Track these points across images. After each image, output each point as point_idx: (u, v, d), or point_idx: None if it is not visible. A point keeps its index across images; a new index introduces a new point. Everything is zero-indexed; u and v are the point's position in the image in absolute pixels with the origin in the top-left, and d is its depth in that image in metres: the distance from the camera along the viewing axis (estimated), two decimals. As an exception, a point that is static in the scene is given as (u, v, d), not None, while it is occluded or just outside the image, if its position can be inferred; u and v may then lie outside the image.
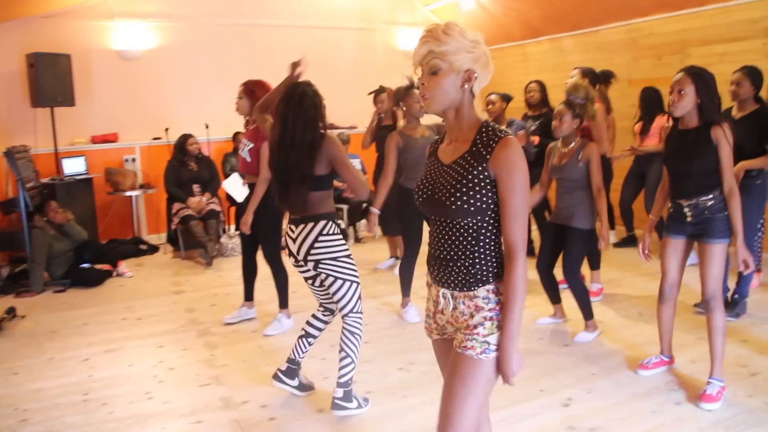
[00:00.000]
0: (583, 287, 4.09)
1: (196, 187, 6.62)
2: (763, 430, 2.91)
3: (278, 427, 3.09)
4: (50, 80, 6.34)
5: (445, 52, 1.69)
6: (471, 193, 1.71)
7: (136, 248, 6.86)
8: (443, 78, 1.71)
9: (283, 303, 4.53)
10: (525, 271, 1.70)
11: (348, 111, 8.45)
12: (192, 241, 6.44)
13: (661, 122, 5.47)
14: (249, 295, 4.71)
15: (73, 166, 6.76)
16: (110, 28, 7.11)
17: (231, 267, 6.12)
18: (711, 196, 3.09)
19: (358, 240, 7.33)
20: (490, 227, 1.76)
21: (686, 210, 3.18)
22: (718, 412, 3.06)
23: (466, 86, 1.73)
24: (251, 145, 4.34)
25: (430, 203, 1.81)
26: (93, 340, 4.39)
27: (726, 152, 3.01)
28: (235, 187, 4.78)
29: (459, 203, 1.72)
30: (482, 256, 1.76)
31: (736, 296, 4.36)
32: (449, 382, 1.78)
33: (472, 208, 1.72)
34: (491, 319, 1.76)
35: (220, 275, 5.97)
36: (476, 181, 1.71)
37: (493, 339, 1.74)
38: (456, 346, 1.80)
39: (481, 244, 1.76)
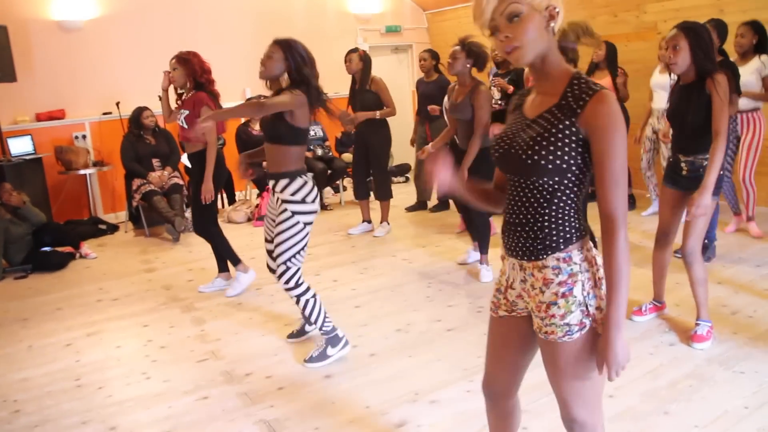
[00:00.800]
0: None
1: (156, 162, 6.39)
2: (753, 362, 3.10)
3: (288, 396, 3.08)
4: (-13, 54, 5.95)
5: None
6: (551, 148, 1.53)
7: (95, 228, 6.59)
8: (528, 21, 1.49)
9: (234, 261, 4.62)
10: (628, 247, 1.53)
11: (302, 77, 8.32)
12: (156, 217, 6.24)
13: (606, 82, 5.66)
14: (223, 266, 4.73)
15: (20, 146, 6.40)
16: (48, -3, 6.69)
17: (199, 241, 5.91)
18: (707, 155, 3.14)
19: (324, 207, 7.27)
20: (567, 191, 1.58)
21: (683, 164, 3.28)
22: (710, 350, 3.24)
23: (552, 25, 1.53)
24: (187, 113, 4.34)
25: (505, 158, 1.64)
26: (70, 324, 4.23)
27: (717, 101, 3.04)
28: None
29: (536, 158, 1.54)
30: (553, 221, 1.59)
31: (705, 241, 4.57)
32: (549, 371, 1.71)
33: (550, 166, 1.53)
34: (564, 295, 1.60)
35: (190, 250, 5.83)
36: (560, 136, 1.53)
37: (572, 319, 1.59)
38: (537, 331, 1.69)
39: (554, 207, 1.59)
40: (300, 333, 3.75)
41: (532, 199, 1.61)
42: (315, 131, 7.57)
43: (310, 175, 3.33)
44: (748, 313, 3.67)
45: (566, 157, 1.53)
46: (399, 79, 9.04)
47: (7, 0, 6.46)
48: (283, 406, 2.98)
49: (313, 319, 3.34)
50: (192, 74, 4.34)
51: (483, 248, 4.61)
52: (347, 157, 7.66)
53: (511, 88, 5.48)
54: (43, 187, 6.51)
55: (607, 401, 2.80)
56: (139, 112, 6.35)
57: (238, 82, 7.51)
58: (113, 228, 6.74)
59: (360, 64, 5.66)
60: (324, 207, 7.27)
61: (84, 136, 6.98)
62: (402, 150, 8.03)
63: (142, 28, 7.14)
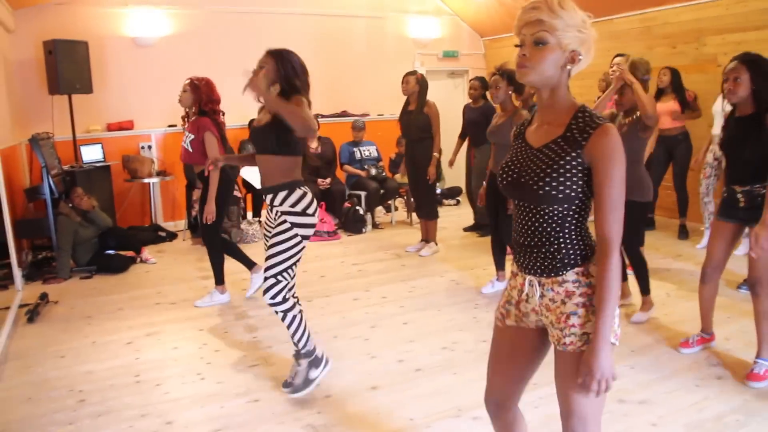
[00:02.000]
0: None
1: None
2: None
3: (336, 404, 3.18)
4: (68, 67, 6.35)
5: (556, 26, 1.61)
6: (561, 179, 1.65)
7: (155, 235, 6.90)
8: (549, 52, 1.63)
9: (218, 279, 4.84)
10: (619, 269, 1.64)
11: (360, 98, 8.55)
12: (213, 227, 6.48)
13: (669, 106, 5.67)
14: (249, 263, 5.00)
15: (91, 154, 6.77)
16: (125, 15, 7.11)
17: (252, 252, 6.10)
18: (764, 184, 3.15)
19: (375, 226, 7.41)
20: (575, 215, 1.70)
21: (739, 196, 3.27)
22: (761, 388, 3.20)
23: (568, 66, 1.66)
24: (192, 137, 4.60)
25: (515, 187, 1.76)
26: (131, 324, 4.45)
27: None
28: (253, 173, 4.90)
29: (547, 188, 1.66)
30: (568, 241, 1.71)
31: None
32: (561, 387, 1.76)
33: (560, 195, 1.66)
34: (584, 305, 1.70)
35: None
36: (568, 167, 1.65)
37: (591, 327, 1.68)
38: (555, 344, 1.76)
39: (566, 230, 1.71)
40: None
41: (545, 224, 1.73)
42: (369, 151, 7.74)
43: (306, 187, 3.21)
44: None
45: (574, 186, 1.66)
46: (454, 102, 9.14)
47: (88, 18, 6.90)
48: (330, 413, 3.09)
49: (296, 337, 3.19)
50: (198, 100, 4.63)
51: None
52: (399, 177, 7.80)
53: None
54: (110, 194, 6.87)
55: (649, 430, 2.83)
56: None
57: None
58: (172, 236, 7.03)
59: (416, 86, 5.81)
60: (375, 226, 7.41)
61: (150, 147, 7.34)
62: (454, 173, 8.13)
63: (209, 46, 7.49)
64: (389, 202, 7.77)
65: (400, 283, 5.26)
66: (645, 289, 4.17)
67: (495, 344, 1.98)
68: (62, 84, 6.29)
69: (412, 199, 7.00)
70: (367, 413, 3.09)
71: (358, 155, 7.65)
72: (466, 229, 7.07)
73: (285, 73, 3.13)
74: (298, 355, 3.27)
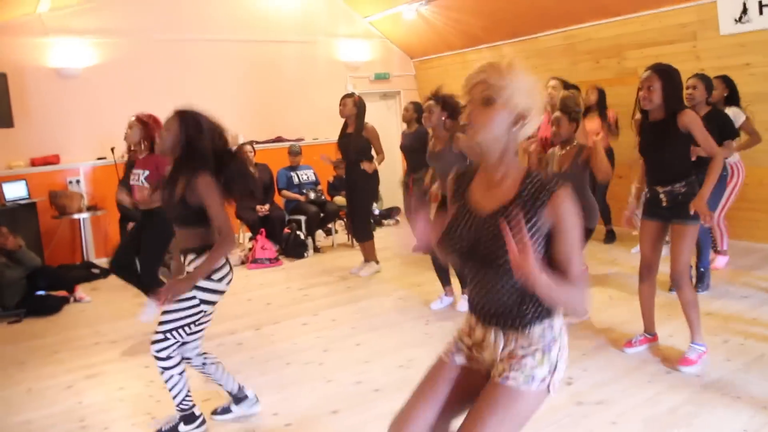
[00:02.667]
0: None
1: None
2: (748, 387, 3.20)
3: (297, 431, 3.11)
4: (-14, 101, 6.04)
5: (504, 87, 1.63)
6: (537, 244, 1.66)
7: (88, 272, 6.58)
8: (495, 112, 1.64)
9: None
10: (580, 296, 1.65)
11: (295, 123, 8.51)
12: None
13: (592, 125, 5.93)
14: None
15: (14, 191, 6.43)
16: (46, 45, 6.84)
17: (194, 284, 6.01)
18: (684, 182, 3.39)
19: (317, 250, 7.34)
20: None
21: (662, 196, 3.47)
22: (706, 377, 3.34)
23: (514, 128, 1.67)
24: (147, 172, 4.53)
25: (470, 257, 1.74)
26: (69, 367, 4.21)
27: (698, 132, 3.27)
28: None
29: (507, 263, 1.60)
30: (531, 304, 1.72)
31: (701, 269, 4.74)
32: (478, 411, 1.71)
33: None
34: (543, 351, 1.72)
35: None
36: (534, 235, 1.65)
37: (539, 372, 1.70)
38: (495, 375, 1.74)
39: (530, 294, 1.69)
40: (225, 411, 3.37)
41: (507, 293, 1.72)
42: (307, 175, 7.70)
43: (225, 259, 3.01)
44: (739, 341, 3.78)
45: (539, 249, 1.67)
46: (387, 124, 9.26)
47: (7, 48, 6.59)
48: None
49: (174, 393, 3.06)
50: (149, 137, 4.57)
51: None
52: (339, 200, 7.79)
53: None
54: (36, 232, 6.53)
55: (610, 428, 2.89)
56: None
57: (231, 128, 7.61)
58: (106, 272, 6.72)
59: (354, 109, 5.84)
60: (317, 250, 7.35)
61: (78, 181, 7.04)
62: (392, 193, 8.18)
63: (137, 75, 7.29)
64: (329, 225, 7.73)
65: (348, 305, 5.21)
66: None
67: (431, 378, 1.89)
68: (-20, 119, 5.97)
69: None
70: (330, 438, 3.02)
71: (296, 180, 7.59)
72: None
73: (187, 136, 2.94)
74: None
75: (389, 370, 3.79)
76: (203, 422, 3.17)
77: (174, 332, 2.94)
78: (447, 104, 4.63)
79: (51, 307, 5.48)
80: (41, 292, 5.62)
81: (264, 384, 3.68)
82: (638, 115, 3.58)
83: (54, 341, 4.76)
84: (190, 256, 2.98)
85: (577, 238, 1.65)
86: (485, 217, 1.72)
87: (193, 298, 2.91)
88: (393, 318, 4.78)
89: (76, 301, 5.76)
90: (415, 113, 6.33)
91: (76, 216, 6.68)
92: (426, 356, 3.90)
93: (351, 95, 5.96)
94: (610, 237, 6.52)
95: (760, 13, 5.23)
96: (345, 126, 6.02)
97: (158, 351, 2.95)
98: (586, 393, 3.25)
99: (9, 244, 5.50)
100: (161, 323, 2.95)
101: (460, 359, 1.88)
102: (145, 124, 4.56)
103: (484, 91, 1.65)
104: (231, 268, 3.04)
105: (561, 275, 1.64)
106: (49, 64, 6.87)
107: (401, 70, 9.70)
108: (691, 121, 3.27)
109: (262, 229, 6.93)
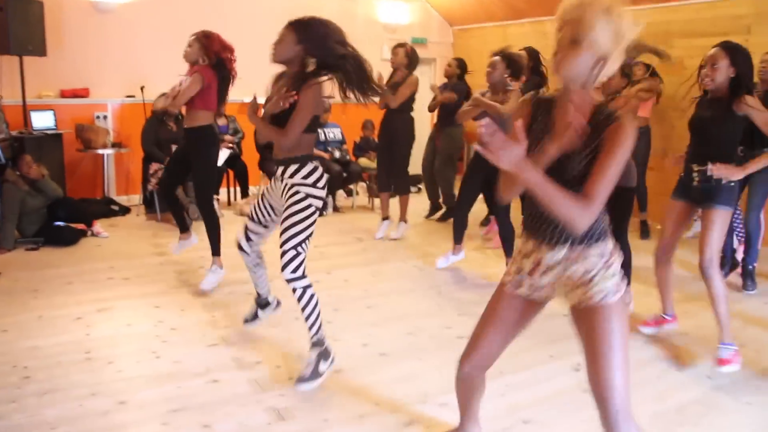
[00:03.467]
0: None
1: (175, 148, 6.43)
2: (761, 394, 3.13)
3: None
4: (20, 27, 5.98)
5: (592, 28, 1.69)
6: (586, 159, 1.79)
7: (108, 208, 6.62)
8: (579, 53, 1.73)
9: (216, 251, 4.56)
10: (578, 209, 1.70)
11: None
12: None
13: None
14: (184, 227, 4.83)
15: (42, 120, 6.44)
16: (85, -22, 6.76)
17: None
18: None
19: (336, 209, 7.30)
20: None
21: (695, 174, 3.34)
22: (718, 379, 3.27)
23: (595, 70, 1.76)
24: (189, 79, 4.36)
25: (553, 168, 1.83)
26: (81, 299, 4.25)
27: (759, 116, 3.16)
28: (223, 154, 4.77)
29: (576, 168, 1.79)
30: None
31: (750, 266, 4.57)
32: (587, 342, 1.87)
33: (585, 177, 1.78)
34: (606, 266, 1.85)
35: (202, 238, 5.77)
36: (589, 148, 1.79)
37: (609, 285, 1.84)
38: (576, 306, 1.91)
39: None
40: (254, 317, 3.65)
41: (581, 180, 1.80)
42: (334, 133, 7.62)
43: (317, 161, 3.13)
44: (755, 347, 3.69)
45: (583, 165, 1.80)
46: (421, 90, 9.09)
47: (45, -23, 6.52)
48: (293, 395, 3.00)
49: (311, 320, 3.05)
50: (208, 51, 4.42)
51: (509, 251, 4.77)
52: (363, 161, 7.71)
53: None
54: (60, 163, 6.54)
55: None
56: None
57: (263, 77, 7.55)
58: (125, 210, 6.77)
59: (405, 59, 5.78)
60: (336, 209, 7.31)
61: (105, 117, 7.02)
62: (415, 162, 8.06)
63: (173, 15, 7.18)
64: (351, 186, 7.67)
65: (363, 267, 5.19)
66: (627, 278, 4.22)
67: (496, 309, 2.07)
68: (13, 44, 5.92)
69: (374, 185, 6.94)
70: (331, 397, 3.02)
71: (322, 137, 7.51)
72: (427, 217, 7.03)
73: (311, 45, 2.97)
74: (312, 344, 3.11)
75: (397, 336, 3.76)
76: (334, 358, 3.14)
77: (303, 244, 2.97)
78: (512, 62, 4.62)
79: (68, 239, 5.52)
80: (60, 223, 5.66)
81: (272, 336, 3.68)
82: (693, 95, 3.42)
83: (68, 272, 4.80)
84: (293, 167, 3.01)
85: (614, 167, 1.72)
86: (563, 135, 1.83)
87: (309, 206, 2.98)
88: (406, 285, 4.75)
89: (93, 235, 5.80)
90: (458, 69, 6.25)
91: (100, 151, 6.69)
92: (435, 326, 3.92)
93: (403, 44, 5.89)
94: (644, 231, 6.18)
95: (822, 10, 5.00)
96: (393, 74, 5.93)
97: (294, 270, 2.95)
98: (594, 381, 3.20)
99: (32, 173, 5.52)
100: (286, 241, 2.94)
101: (522, 290, 2.03)
102: (207, 39, 4.44)
103: (572, 30, 1.72)
104: (323, 173, 3.10)
105: (580, 193, 1.73)
106: (86, -4, 6.80)
107: (440, 36, 9.49)
108: (753, 105, 3.15)
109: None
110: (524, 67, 4.74)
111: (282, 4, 7.88)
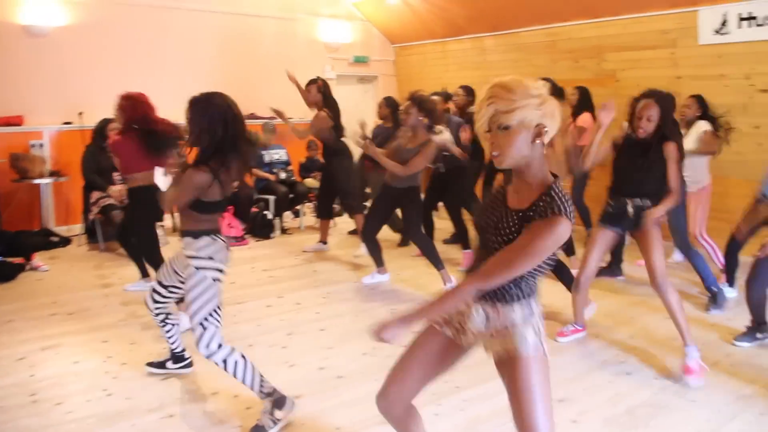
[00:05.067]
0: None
1: (116, 176, 6.26)
2: (704, 391, 3.28)
3: (256, 415, 3.03)
4: (-53, 55, 5.77)
5: (514, 110, 1.71)
6: (510, 238, 1.82)
7: (47, 240, 6.39)
8: (515, 135, 1.74)
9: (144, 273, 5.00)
10: (472, 291, 1.84)
11: (269, 101, 8.32)
12: (113, 232, 6.09)
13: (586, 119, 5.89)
14: (145, 271, 5.02)
15: (-27, 151, 6.19)
16: (16, 1, 6.55)
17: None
18: (650, 201, 3.55)
19: (284, 231, 7.26)
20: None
21: (629, 208, 3.59)
22: (664, 380, 3.41)
23: (537, 141, 1.76)
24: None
25: (482, 233, 1.94)
26: (25, 337, 4.08)
27: (673, 166, 3.50)
28: (159, 176, 4.70)
29: (501, 244, 1.84)
30: (516, 284, 1.87)
31: (714, 289, 4.56)
32: (510, 392, 1.91)
33: None
34: (522, 322, 1.89)
35: (148, 266, 5.71)
36: (515, 234, 1.81)
37: (529, 338, 1.86)
38: (499, 355, 1.94)
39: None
40: (160, 365, 3.54)
41: None
42: (279, 155, 7.60)
43: (221, 237, 3.03)
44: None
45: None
46: (363, 107, 9.18)
47: (-27, 2, 6.31)
48: (251, 425, 2.95)
49: (248, 382, 2.94)
50: (123, 117, 4.54)
51: (436, 264, 4.99)
52: (309, 182, 7.70)
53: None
54: (-6, 195, 6.30)
55: (571, 427, 2.92)
56: (105, 123, 6.19)
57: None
58: (66, 241, 6.55)
59: (318, 95, 5.82)
60: (284, 231, 7.27)
61: (41, 145, 6.79)
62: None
63: (110, 39, 7.06)
64: (298, 207, 7.65)
65: (314, 288, 5.17)
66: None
67: (420, 345, 2.09)
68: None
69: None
70: (291, 425, 2.99)
71: (267, 158, 7.48)
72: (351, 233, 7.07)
73: (198, 129, 2.87)
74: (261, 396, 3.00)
75: (353, 357, 3.76)
76: (293, 403, 3.02)
77: (208, 319, 2.89)
78: (423, 106, 4.71)
79: (6, 275, 5.31)
80: (-3, 258, 5.44)
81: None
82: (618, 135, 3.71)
83: (8, 310, 4.61)
84: (188, 239, 2.98)
85: (521, 255, 1.76)
86: (510, 210, 1.86)
87: (204, 279, 2.90)
88: (358, 305, 4.76)
89: (33, 269, 5.59)
90: (388, 108, 6.30)
91: (37, 181, 6.46)
92: (390, 345, 3.91)
93: (315, 80, 5.90)
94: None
95: (739, 26, 5.31)
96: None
97: (207, 345, 2.87)
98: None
99: (-35, 207, 5.29)
100: (192, 317, 2.89)
101: (447, 331, 2.04)
102: (126, 103, 4.50)
103: (498, 120, 1.73)
104: (220, 242, 3.00)
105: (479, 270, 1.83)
106: (17, 20, 6.59)
107: (381, 54, 9.61)
108: (671, 154, 3.48)
109: (230, 207, 6.81)
110: (436, 111, 4.88)
111: (219, 27, 7.88)
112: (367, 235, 5.16)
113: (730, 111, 4.76)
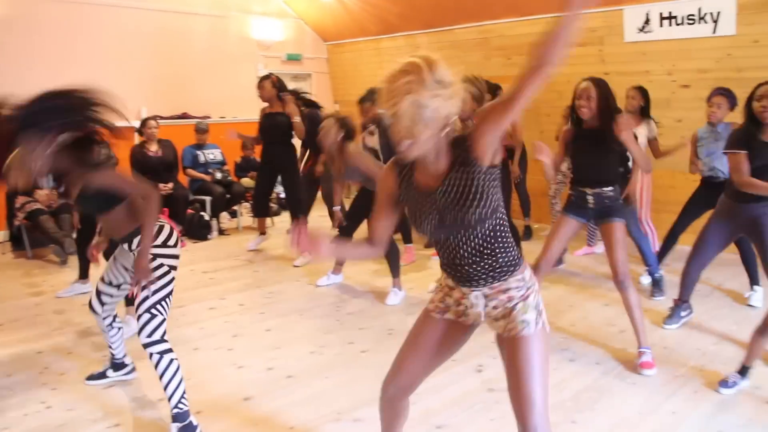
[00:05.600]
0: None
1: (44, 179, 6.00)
2: (641, 375, 3.42)
3: (208, 419, 2.99)
4: None
5: (421, 104, 1.65)
6: (479, 196, 1.78)
7: (-32, 249, 6.05)
8: (419, 134, 1.70)
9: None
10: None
11: (202, 100, 8.18)
12: (41, 238, 5.83)
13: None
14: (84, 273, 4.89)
15: None
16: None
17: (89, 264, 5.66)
18: (612, 188, 3.54)
19: (221, 232, 7.13)
20: (501, 220, 1.86)
21: (589, 197, 3.59)
22: (605, 364, 3.55)
23: (442, 134, 1.74)
24: None
25: (441, 229, 1.87)
26: (-51, 351, 3.86)
27: (629, 137, 3.46)
28: None
29: (477, 213, 1.79)
30: (503, 249, 1.88)
31: (656, 276, 4.74)
32: (510, 368, 1.93)
33: (488, 210, 1.80)
34: (524, 298, 1.91)
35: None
36: (479, 182, 1.77)
37: (529, 317, 1.90)
38: (501, 332, 1.97)
39: (499, 239, 1.87)
40: (101, 375, 3.42)
41: (480, 245, 1.87)
42: (214, 155, 7.44)
43: (162, 219, 2.93)
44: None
45: (491, 193, 1.81)
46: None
47: None
48: (204, 429, 2.89)
49: (171, 389, 2.78)
50: None
51: (395, 272, 4.77)
52: (246, 181, 7.59)
53: None
54: None
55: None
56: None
57: (134, 101, 7.24)
58: (-12, 249, 6.22)
59: (273, 90, 5.79)
60: (221, 232, 7.14)
61: (-43, 149, 6.40)
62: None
63: (35, 35, 6.72)
64: (235, 207, 7.52)
65: (256, 289, 5.11)
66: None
67: (421, 334, 2.10)
68: None
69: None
70: (244, 426, 2.95)
71: (202, 158, 7.32)
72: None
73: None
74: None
75: (301, 357, 3.75)
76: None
77: (158, 306, 2.77)
78: (344, 125, 4.73)
79: (-76, 286, 4.98)
80: None
81: (171, 371, 3.53)
82: (566, 126, 3.73)
83: (-72, 323, 4.34)
84: (137, 239, 2.83)
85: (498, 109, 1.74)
86: (442, 192, 1.83)
87: (161, 265, 2.80)
88: (302, 304, 4.73)
89: (-47, 279, 5.28)
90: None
91: (-46, 187, 6.09)
92: (338, 342, 3.94)
93: (268, 77, 5.87)
94: (527, 233, 6.48)
95: (661, 25, 5.58)
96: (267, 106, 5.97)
97: (149, 334, 2.74)
98: (497, 380, 3.34)
99: None
100: (141, 303, 2.75)
101: (449, 315, 2.06)
102: None
103: (406, 110, 1.66)
104: (172, 230, 2.92)
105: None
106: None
107: (314, 52, 9.55)
108: (623, 125, 3.43)
109: (165, 209, 6.61)
110: (355, 130, 4.92)
111: (149, 25, 7.64)
112: (344, 234, 5.08)
113: (655, 106, 5.00)
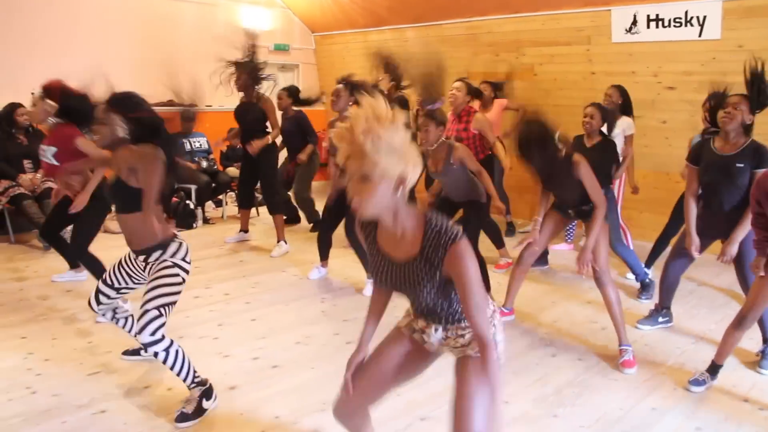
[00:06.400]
0: None
1: (27, 163, 5.93)
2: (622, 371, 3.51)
3: (194, 408, 3.02)
4: None
5: (375, 163, 1.65)
6: (436, 286, 1.86)
7: (-52, 233, 5.97)
8: (375, 186, 1.69)
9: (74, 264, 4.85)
10: (498, 362, 1.85)
11: (188, 87, 8.09)
12: (24, 222, 5.78)
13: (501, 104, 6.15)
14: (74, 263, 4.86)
15: None
16: None
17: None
18: (590, 205, 3.56)
19: (206, 221, 7.11)
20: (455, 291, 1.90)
21: (570, 211, 3.78)
22: (587, 360, 3.62)
23: (398, 192, 1.73)
24: (54, 150, 4.32)
25: (398, 290, 1.98)
26: (-69, 337, 3.82)
27: (587, 180, 3.51)
28: None
29: (428, 295, 1.88)
30: (458, 301, 1.91)
31: (645, 280, 4.78)
32: (464, 382, 1.94)
33: (441, 294, 1.89)
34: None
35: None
36: (435, 281, 1.84)
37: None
38: (459, 355, 2.03)
39: (452, 299, 1.92)
40: (135, 352, 3.55)
41: (434, 301, 1.92)
42: (200, 143, 7.41)
43: (181, 238, 3.05)
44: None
45: (448, 285, 1.87)
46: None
47: None
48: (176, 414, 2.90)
49: (183, 374, 2.93)
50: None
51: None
52: (231, 171, 7.56)
53: None
54: None
55: (504, 407, 3.05)
56: (12, 108, 5.86)
57: (119, 87, 7.15)
58: (-29, 235, 6.14)
59: (249, 80, 5.75)
60: (206, 221, 7.12)
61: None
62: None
63: (19, 18, 6.63)
64: (220, 196, 7.50)
65: (242, 279, 5.11)
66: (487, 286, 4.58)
67: (388, 347, 2.14)
68: None
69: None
70: (230, 415, 2.98)
71: (188, 147, 7.28)
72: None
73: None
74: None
75: (287, 347, 3.77)
76: (216, 396, 3.05)
77: (166, 308, 2.88)
78: (356, 90, 4.70)
79: None
80: None
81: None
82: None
83: None
84: (156, 254, 2.95)
85: (478, 290, 1.78)
86: (400, 265, 1.88)
87: (177, 274, 2.93)
88: (288, 294, 4.75)
89: (-66, 263, 5.22)
90: (289, 98, 6.29)
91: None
92: (324, 333, 3.97)
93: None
94: (510, 229, 6.51)
95: (648, 27, 5.66)
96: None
97: (152, 333, 2.81)
98: (480, 373, 3.41)
99: None
100: (151, 299, 2.85)
101: (416, 336, 2.12)
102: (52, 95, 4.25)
103: (360, 169, 1.68)
104: (188, 249, 3.06)
105: (477, 337, 1.84)
106: None
107: (301, 43, 9.52)
108: (580, 166, 3.49)
109: (171, 219, 6.60)
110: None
111: (136, 10, 7.57)
112: (324, 230, 5.09)
113: (640, 106, 5.08)
